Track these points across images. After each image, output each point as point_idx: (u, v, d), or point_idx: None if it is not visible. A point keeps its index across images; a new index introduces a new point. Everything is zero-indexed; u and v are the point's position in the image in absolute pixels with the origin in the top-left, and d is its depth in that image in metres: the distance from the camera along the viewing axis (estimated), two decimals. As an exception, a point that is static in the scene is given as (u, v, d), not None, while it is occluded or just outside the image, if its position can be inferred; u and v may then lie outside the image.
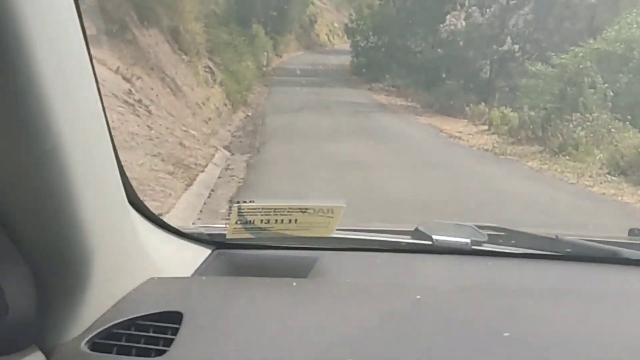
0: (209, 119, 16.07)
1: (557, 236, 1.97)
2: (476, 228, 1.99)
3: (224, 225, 1.82)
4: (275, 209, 1.68)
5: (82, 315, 1.32)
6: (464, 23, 27.51)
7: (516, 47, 26.07)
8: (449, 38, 27.89)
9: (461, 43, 27.62)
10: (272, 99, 24.53)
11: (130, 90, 12.09)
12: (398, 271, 1.88)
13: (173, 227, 1.80)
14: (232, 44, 25.37)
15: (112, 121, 9.95)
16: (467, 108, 22.42)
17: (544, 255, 1.94)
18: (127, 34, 14.53)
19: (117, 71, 12.37)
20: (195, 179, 9.34)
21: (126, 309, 1.40)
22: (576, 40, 20.12)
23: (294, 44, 48.60)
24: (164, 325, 1.34)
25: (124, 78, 12.42)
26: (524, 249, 1.94)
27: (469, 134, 18.70)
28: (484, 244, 1.93)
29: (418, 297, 1.51)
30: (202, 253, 1.86)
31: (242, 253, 1.90)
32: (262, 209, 1.68)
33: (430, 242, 1.91)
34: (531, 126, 17.70)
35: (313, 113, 20.66)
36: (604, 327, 1.43)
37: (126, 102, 11.38)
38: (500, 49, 26.37)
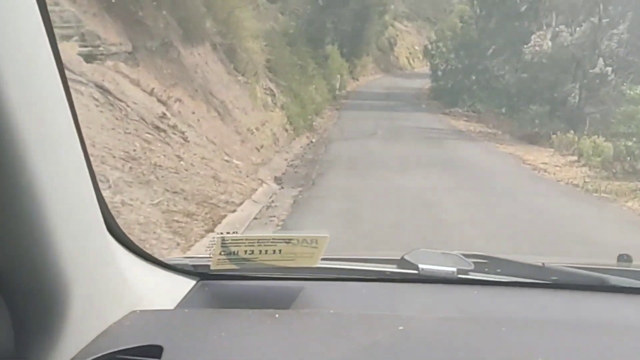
0: (262, 146, 14.58)
1: (543, 264, 1.95)
2: (462, 257, 1.96)
3: (208, 256, 1.73)
4: (259, 239, 1.67)
5: (61, 349, 1.25)
6: (550, 44, 25.68)
7: (609, 69, 23.93)
8: (534, 60, 26.06)
9: (547, 65, 25.66)
10: (340, 124, 23.45)
11: (164, 114, 10.66)
12: (383, 301, 1.83)
13: (156, 258, 1.73)
14: (299, 65, 24.07)
15: (134, 150, 8.53)
16: (553, 136, 20.70)
17: (531, 284, 1.89)
18: (171, 51, 13.17)
19: (151, 93, 11.01)
20: (220, 222, 7.72)
21: (106, 343, 1.35)
22: (680, 62, 18.08)
23: (372, 67, 48.74)
24: (144, 359, 1.30)
25: (159, 100, 11.04)
26: (510, 277, 1.89)
27: (556, 166, 16.83)
28: (470, 273, 1.89)
29: (401, 328, 1.47)
30: (186, 284, 1.79)
31: (227, 284, 1.84)
32: (246, 239, 1.67)
33: (416, 271, 1.88)
34: (628, 158, 15.92)
35: (383, 140, 19.43)
36: (592, 356, 1.40)
37: (157, 127, 9.95)
38: (591, 71, 24.28)
